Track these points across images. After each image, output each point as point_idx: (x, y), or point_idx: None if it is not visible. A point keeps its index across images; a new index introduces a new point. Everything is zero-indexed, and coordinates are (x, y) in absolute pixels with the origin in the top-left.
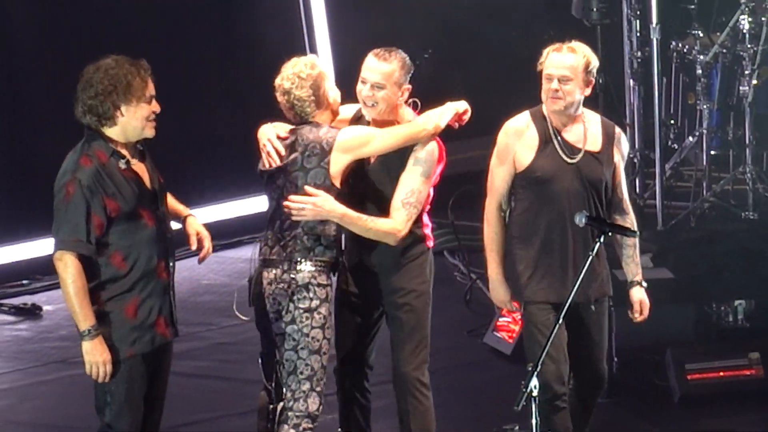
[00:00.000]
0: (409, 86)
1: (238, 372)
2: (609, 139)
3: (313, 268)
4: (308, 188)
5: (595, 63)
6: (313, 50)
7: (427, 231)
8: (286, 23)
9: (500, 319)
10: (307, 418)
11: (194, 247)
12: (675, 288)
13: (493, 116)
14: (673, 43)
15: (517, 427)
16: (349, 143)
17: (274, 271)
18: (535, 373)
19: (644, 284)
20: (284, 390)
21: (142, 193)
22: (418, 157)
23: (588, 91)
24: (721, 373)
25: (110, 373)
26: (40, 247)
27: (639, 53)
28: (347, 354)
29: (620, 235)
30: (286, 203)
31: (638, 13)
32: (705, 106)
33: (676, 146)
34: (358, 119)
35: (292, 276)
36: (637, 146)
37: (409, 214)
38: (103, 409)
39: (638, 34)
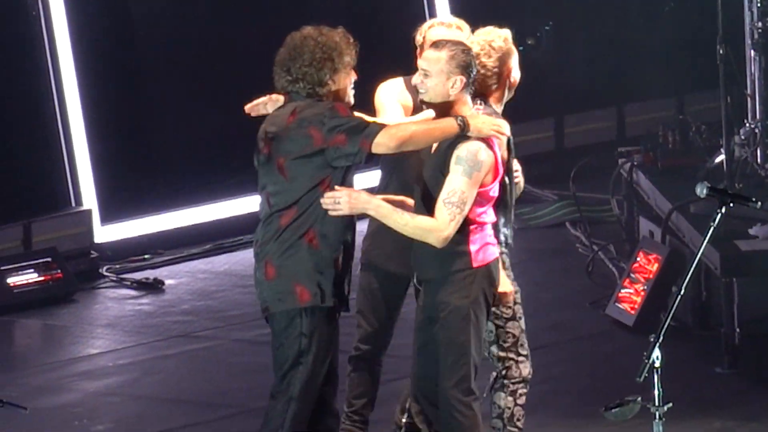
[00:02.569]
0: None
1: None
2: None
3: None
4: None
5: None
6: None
7: (475, 248)
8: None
9: (622, 291)
10: (521, 384)
11: None
12: None
13: (609, 89)
14: None
15: (639, 399)
16: None
17: None
18: (657, 344)
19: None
20: (490, 359)
21: None
22: (458, 155)
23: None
24: None
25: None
26: (162, 221)
27: (760, 24)
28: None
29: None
30: (322, 200)
31: None
32: None
33: None
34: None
35: None
36: (758, 116)
37: (451, 214)
38: (292, 376)
39: (759, 5)
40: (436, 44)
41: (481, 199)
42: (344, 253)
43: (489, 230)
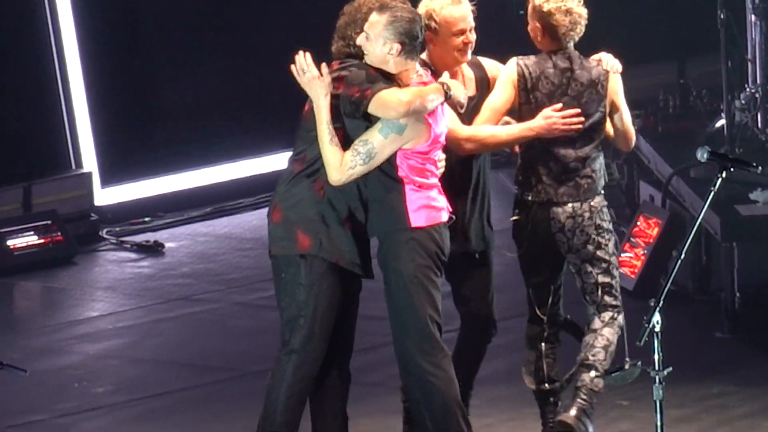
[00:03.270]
0: None
1: None
2: None
3: (603, 192)
4: (324, 68)
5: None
6: None
7: (412, 208)
8: None
9: (622, 255)
10: (619, 329)
11: None
12: None
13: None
14: None
15: (639, 363)
16: None
17: (570, 205)
18: (657, 308)
19: None
20: (593, 308)
21: None
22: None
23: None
24: None
25: None
26: (162, 184)
27: None
28: None
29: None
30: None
31: None
32: None
33: None
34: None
35: (592, 204)
36: (758, 81)
37: (353, 161)
38: (293, 328)
39: None
40: (381, 7)
41: (417, 160)
42: (354, 216)
43: (434, 194)
